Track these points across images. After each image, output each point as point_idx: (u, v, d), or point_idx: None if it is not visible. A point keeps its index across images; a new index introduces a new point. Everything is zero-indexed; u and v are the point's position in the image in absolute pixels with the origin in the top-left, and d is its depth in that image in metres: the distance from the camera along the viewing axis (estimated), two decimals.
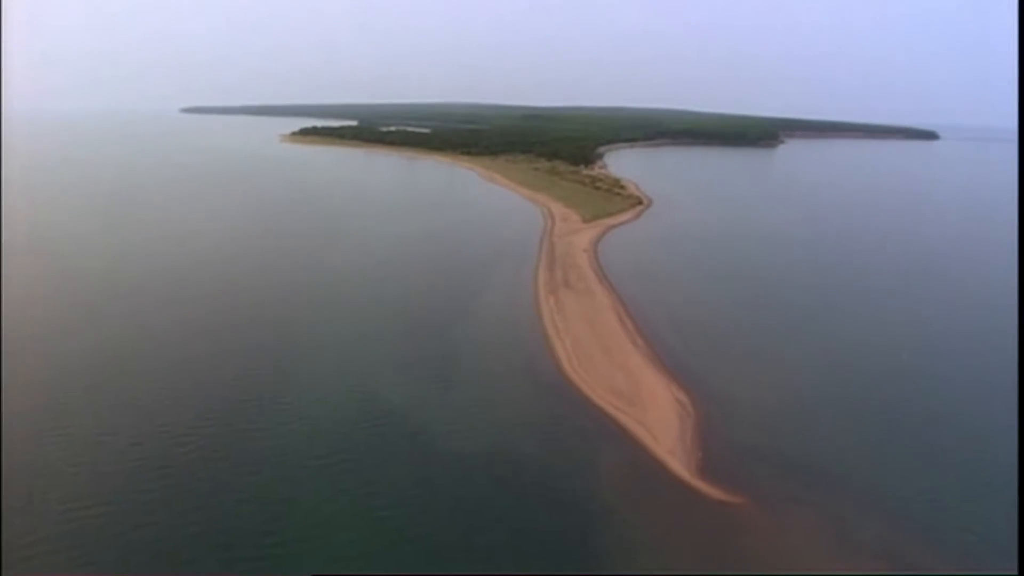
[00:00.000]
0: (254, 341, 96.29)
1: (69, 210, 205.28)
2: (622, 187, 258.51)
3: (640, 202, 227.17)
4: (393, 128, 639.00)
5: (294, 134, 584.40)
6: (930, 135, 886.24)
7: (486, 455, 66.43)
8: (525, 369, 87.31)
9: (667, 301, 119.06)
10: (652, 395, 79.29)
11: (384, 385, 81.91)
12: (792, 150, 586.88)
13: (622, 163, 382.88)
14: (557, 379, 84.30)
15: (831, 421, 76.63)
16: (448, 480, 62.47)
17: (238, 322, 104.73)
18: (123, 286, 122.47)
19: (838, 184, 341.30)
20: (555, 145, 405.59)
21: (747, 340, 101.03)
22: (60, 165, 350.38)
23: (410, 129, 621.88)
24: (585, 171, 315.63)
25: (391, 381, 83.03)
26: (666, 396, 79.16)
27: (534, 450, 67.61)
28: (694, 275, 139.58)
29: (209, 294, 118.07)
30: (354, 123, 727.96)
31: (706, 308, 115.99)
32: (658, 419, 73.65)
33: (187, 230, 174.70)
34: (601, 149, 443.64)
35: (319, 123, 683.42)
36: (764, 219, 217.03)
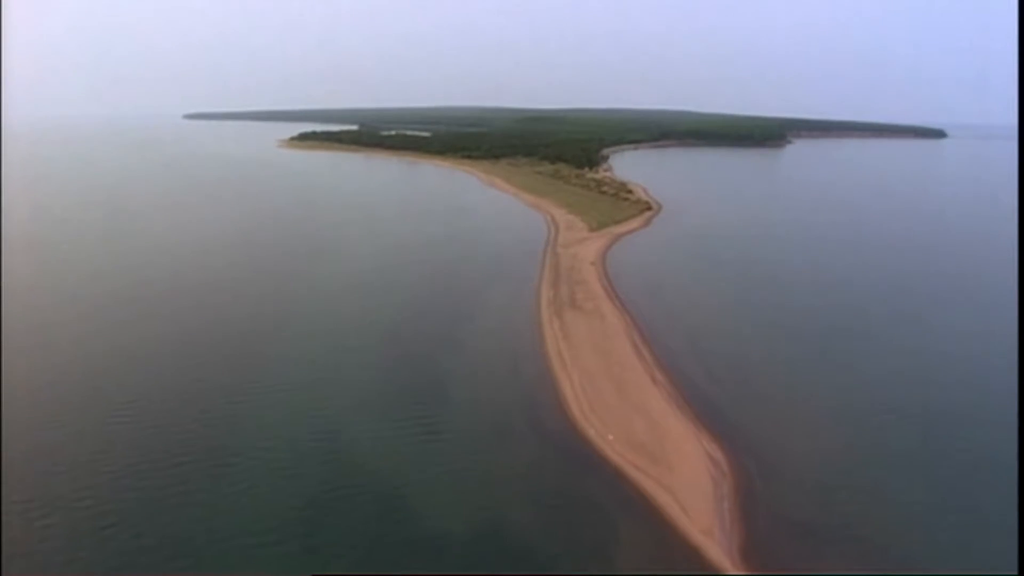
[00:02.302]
0: (212, 372, 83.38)
1: (58, 217, 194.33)
2: (629, 191, 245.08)
3: (649, 207, 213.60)
4: (393, 132, 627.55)
5: (292, 139, 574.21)
6: (938, 133, 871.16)
7: (475, 539, 53.11)
8: (526, 414, 73.78)
9: (687, 322, 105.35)
10: (678, 449, 65.85)
11: (356, 435, 68.89)
12: (800, 150, 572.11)
13: (628, 165, 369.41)
14: (564, 428, 70.89)
15: (902, 478, 62.80)
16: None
17: (201, 344, 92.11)
18: (85, 304, 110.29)
19: (855, 184, 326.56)
20: (558, 148, 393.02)
21: (784, 370, 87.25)
22: (54, 172, 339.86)
23: (410, 133, 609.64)
24: (590, 174, 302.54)
25: (365, 430, 69.96)
26: (695, 450, 65.73)
27: (537, 531, 54.16)
28: (715, 290, 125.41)
29: (172, 311, 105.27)
30: (355, 127, 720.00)
31: (733, 330, 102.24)
32: (688, 483, 60.23)
33: (163, 240, 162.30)
34: (605, 151, 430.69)
35: (322, 128, 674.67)
36: (784, 224, 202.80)
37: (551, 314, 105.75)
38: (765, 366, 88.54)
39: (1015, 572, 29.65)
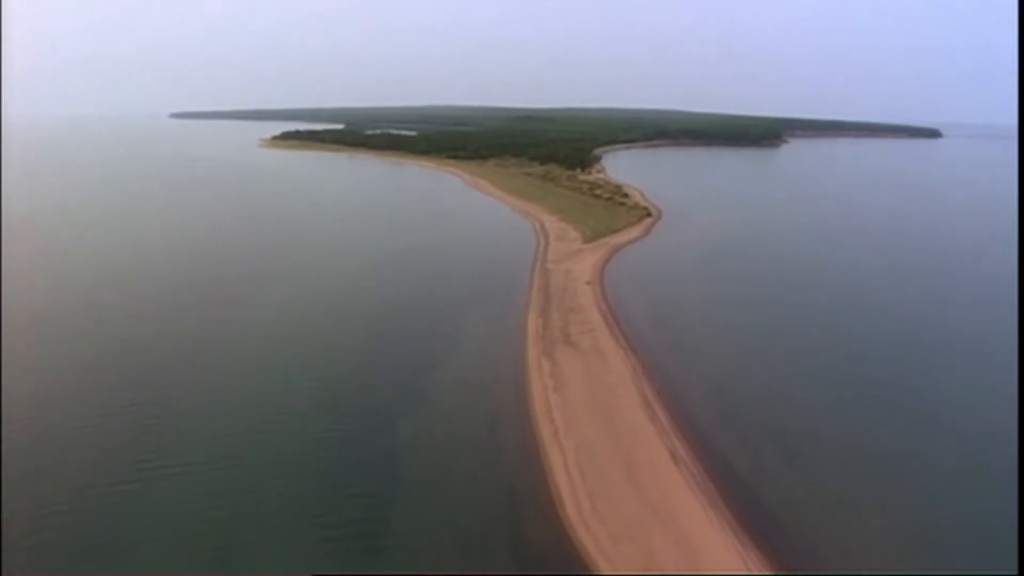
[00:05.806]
0: (90, 438, 62.60)
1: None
2: (626, 195, 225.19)
3: (648, 213, 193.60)
4: (378, 131, 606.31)
5: (274, 138, 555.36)
6: (933, 133, 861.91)
7: None
8: (503, 518, 53.14)
9: (710, 365, 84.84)
10: None
11: (266, 548, 48.56)
12: (797, 149, 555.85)
13: (622, 166, 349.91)
14: (555, 540, 50.41)
15: None
16: None
17: (83, 393, 71.04)
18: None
19: (863, 184, 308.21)
20: (549, 147, 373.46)
21: (853, 443, 65.48)
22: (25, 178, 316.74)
23: (396, 132, 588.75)
24: (582, 176, 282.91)
25: (279, 540, 49.51)
26: None
27: None
28: (739, 318, 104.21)
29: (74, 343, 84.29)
30: (340, 126, 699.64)
31: (770, 377, 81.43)
32: None
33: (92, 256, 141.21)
34: (598, 151, 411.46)
35: (309, 127, 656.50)
36: (800, 229, 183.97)
37: (539, 353, 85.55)
38: (822, 435, 67.66)
39: (1015, 572, 29.27)
